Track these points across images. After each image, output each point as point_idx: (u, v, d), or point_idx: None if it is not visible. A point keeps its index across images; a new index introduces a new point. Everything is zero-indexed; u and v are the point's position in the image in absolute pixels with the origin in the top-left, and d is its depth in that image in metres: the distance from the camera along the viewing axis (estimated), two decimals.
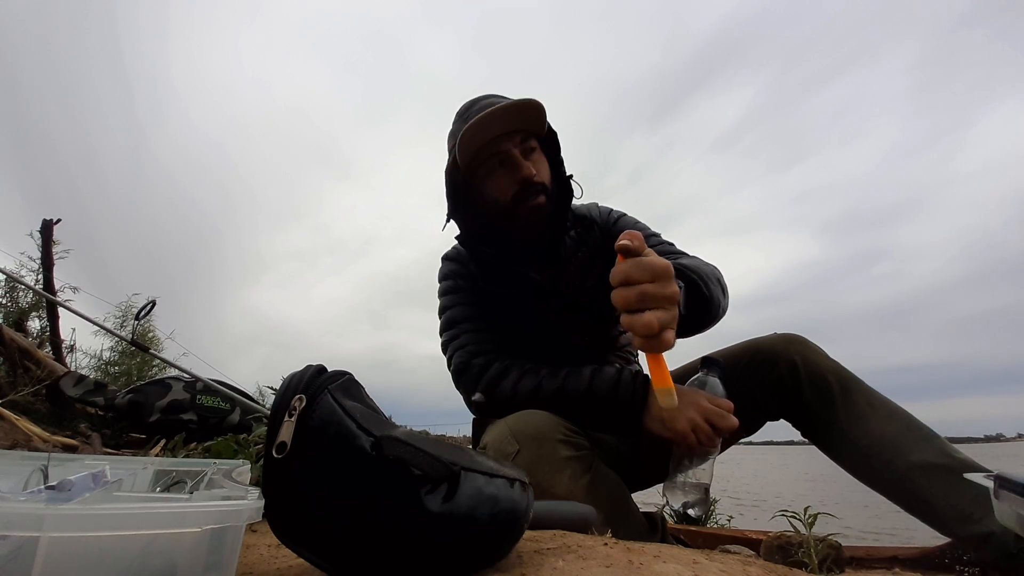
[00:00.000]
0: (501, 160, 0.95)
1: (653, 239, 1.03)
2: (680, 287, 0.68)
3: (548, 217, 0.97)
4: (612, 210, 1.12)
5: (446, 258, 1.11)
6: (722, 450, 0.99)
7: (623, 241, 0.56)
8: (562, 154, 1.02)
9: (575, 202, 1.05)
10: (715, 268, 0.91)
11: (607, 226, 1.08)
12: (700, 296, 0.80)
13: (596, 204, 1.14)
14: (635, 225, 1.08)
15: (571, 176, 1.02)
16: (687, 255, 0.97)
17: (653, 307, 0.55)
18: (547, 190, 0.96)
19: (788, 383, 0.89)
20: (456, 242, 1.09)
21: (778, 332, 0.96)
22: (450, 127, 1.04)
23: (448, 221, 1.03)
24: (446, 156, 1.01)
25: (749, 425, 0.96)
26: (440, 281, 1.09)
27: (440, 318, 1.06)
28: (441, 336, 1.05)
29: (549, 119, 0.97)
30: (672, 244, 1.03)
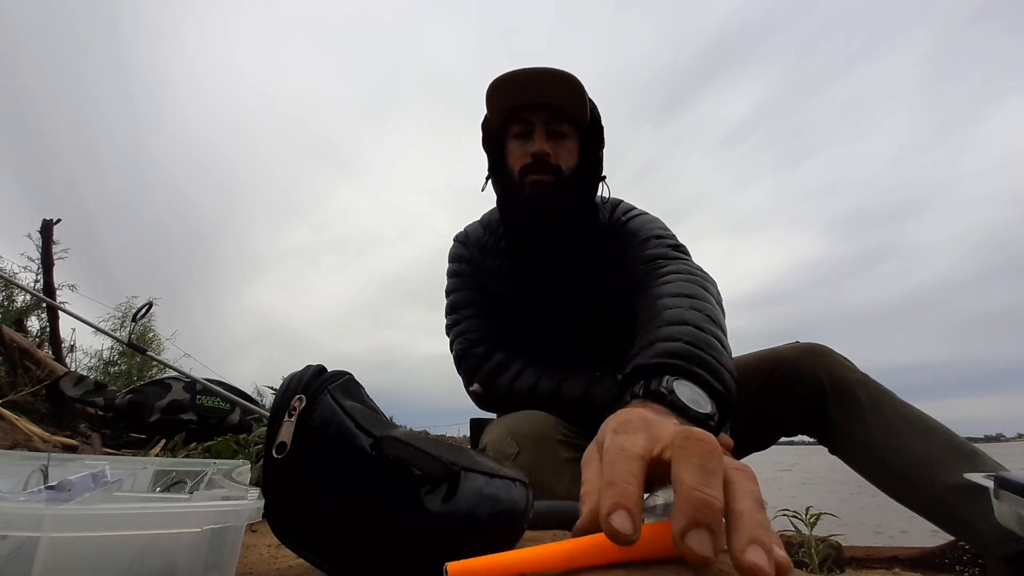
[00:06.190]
0: (524, 130, 0.89)
1: (656, 242, 0.86)
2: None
3: (549, 201, 0.87)
4: (621, 203, 0.97)
5: (456, 239, 1.09)
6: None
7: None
8: (603, 151, 0.92)
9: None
10: (712, 306, 0.68)
11: (611, 222, 0.94)
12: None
13: (612, 199, 0.97)
14: (649, 225, 0.91)
15: (604, 177, 0.93)
16: (684, 276, 0.74)
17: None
18: (560, 175, 0.87)
19: (812, 400, 0.83)
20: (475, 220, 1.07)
21: (800, 342, 0.89)
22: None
23: (487, 180, 0.96)
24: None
25: (763, 440, 0.92)
26: (449, 262, 1.08)
27: (446, 299, 1.05)
28: (446, 319, 1.04)
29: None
30: (680, 252, 0.85)
